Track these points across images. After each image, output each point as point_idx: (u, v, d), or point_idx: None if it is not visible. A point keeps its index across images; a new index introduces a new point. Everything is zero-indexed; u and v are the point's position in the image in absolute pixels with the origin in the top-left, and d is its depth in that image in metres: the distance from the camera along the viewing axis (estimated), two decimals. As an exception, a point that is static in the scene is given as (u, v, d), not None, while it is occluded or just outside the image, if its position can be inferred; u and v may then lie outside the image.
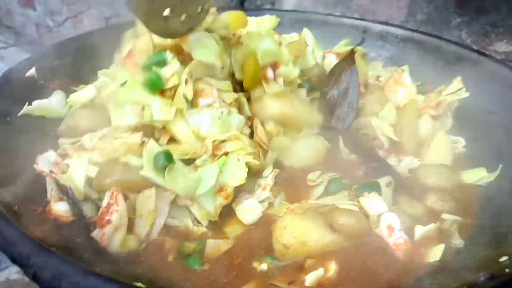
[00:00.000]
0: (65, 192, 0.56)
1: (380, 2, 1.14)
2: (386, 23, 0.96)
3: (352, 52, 0.79)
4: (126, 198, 0.54)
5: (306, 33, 0.91)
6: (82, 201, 0.56)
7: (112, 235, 0.52)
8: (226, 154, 0.60)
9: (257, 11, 1.14)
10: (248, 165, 0.60)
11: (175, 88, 0.61)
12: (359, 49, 0.87)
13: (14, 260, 0.39)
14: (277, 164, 0.67)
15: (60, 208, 0.54)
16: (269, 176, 0.64)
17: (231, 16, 0.83)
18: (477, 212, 0.62)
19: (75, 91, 0.71)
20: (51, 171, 0.58)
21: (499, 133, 0.72)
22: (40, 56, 0.74)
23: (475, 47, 1.02)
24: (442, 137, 0.75)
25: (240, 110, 0.66)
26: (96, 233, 0.52)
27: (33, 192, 0.56)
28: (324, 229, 0.56)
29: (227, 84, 0.65)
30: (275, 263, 0.54)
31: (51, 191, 0.56)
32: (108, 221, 0.52)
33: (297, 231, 0.55)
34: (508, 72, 0.76)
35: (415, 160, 0.72)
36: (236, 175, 0.59)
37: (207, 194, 0.57)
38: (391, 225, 0.57)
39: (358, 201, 0.60)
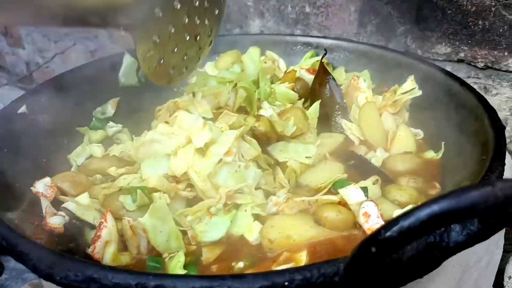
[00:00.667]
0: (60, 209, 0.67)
1: (334, 18, 1.26)
2: (336, 38, 1.08)
3: (321, 63, 0.90)
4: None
5: (271, 54, 1.03)
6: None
7: (103, 249, 0.60)
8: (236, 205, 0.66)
9: (230, 35, 1.26)
10: (254, 215, 0.66)
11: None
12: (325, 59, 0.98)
13: (18, 259, 0.49)
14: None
15: (54, 222, 0.65)
16: (281, 197, 0.69)
17: (230, 57, 0.96)
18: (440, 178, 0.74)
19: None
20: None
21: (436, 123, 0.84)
22: (30, 94, 0.85)
23: (419, 51, 1.14)
24: (404, 130, 0.86)
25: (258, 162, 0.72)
26: (90, 249, 0.61)
27: (30, 210, 0.67)
28: (309, 224, 0.62)
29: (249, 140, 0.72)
30: (252, 260, 0.60)
31: (45, 208, 0.67)
32: (99, 236, 0.61)
33: (283, 227, 0.62)
34: (437, 72, 0.87)
35: (384, 152, 0.82)
36: (242, 226, 0.65)
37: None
38: (367, 212, 0.62)
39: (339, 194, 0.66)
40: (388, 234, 0.36)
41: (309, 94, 0.92)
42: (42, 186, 0.70)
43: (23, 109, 0.82)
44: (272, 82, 0.97)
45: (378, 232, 0.36)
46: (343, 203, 0.65)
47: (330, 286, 0.43)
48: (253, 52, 1.03)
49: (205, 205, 0.63)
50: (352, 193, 0.64)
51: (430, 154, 0.81)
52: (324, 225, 0.62)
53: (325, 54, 0.94)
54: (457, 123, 0.78)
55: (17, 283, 1.60)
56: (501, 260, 0.84)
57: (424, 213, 0.35)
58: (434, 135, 0.82)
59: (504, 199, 0.35)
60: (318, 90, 0.90)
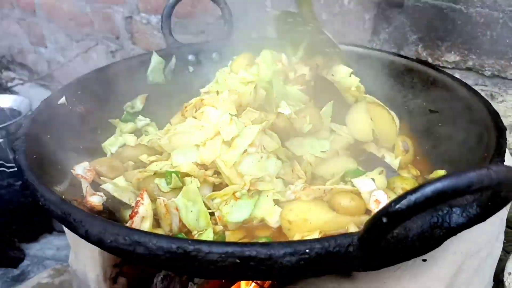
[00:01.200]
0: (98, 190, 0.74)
1: (349, 25, 1.33)
2: (349, 44, 1.14)
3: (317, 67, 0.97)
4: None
5: (283, 57, 1.09)
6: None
7: (139, 224, 0.67)
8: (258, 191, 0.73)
9: (246, 40, 1.33)
10: (275, 201, 0.73)
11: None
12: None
13: (70, 227, 0.56)
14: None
15: (93, 200, 0.72)
16: (299, 186, 0.75)
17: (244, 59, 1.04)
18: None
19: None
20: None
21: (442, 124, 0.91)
22: (68, 87, 0.93)
23: (430, 59, 1.21)
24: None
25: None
26: (128, 223, 0.68)
27: (72, 189, 0.74)
28: (324, 210, 0.68)
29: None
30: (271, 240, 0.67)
31: (86, 188, 0.74)
32: (136, 212, 0.68)
33: (300, 211, 0.68)
34: (446, 78, 0.93)
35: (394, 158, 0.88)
36: (264, 209, 0.71)
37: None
38: (378, 200, 0.68)
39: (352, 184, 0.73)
40: (397, 206, 0.42)
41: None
42: (81, 169, 0.77)
43: (62, 100, 0.89)
44: (284, 84, 1.03)
45: (389, 205, 0.43)
46: (355, 192, 0.71)
47: (345, 255, 0.49)
48: (266, 55, 1.09)
49: (231, 190, 0.70)
50: (363, 183, 0.71)
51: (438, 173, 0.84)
52: (338, 210, 0.68)
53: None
54: (463, 125, 0.84)
55: (38, 269, 1.68)
56: (501, 259, 0.90)
57: (428, 189, 0.41)
58: (441, 135, 0.88)
59: (497, 181, 0.42)
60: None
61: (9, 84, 2.57)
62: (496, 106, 1.11)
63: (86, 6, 2.27)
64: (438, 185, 0.41)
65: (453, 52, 1.16)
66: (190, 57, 1.14)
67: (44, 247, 1.71)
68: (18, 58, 3.14)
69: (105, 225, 0.53)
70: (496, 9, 1.06)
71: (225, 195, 0.69)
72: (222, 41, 1.17)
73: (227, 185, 0.73)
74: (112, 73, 1.03)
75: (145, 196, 0.67)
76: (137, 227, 0.65)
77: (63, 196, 0.65)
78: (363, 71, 1.09)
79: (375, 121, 0.90)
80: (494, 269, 0.86)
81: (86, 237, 0.54)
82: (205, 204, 0.69)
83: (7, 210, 1.69)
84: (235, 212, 0.68)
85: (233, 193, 0.70)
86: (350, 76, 0.98)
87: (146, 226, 0.65)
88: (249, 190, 0.71)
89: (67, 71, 2.60)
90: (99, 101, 0.96)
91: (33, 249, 1.70)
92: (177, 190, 0.70)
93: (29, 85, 2.75)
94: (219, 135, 0.75)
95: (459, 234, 0.54)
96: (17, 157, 0.68)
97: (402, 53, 1.23)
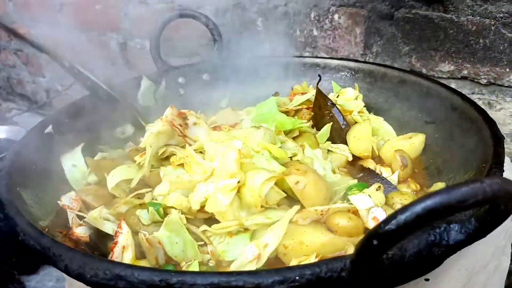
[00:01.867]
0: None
1: (340, 40, 1.32)
2: (342, 58, 1.13)
3: (318, 88, 0.95)
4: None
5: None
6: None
7: (121, 255, 0.65)
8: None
9: (241, 59, 1.32)
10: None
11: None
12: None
13: (50, 262, 0.53)
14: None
15: (79, 232, 0.69)
16: (294, 209, 0.70)
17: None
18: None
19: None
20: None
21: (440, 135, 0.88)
22: (55, 115, 0.91)
23: (424, 70, 1.19)
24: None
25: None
26: (109, 256, 0.66)
27: (57, 220, 0.72)
28: (321, 232, 0.65)
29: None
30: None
31: (72, 219, 0.71)
32: (116, 242, 0.65)
33: (296, 234, 0.65)
34: (440, 88, 0.91)
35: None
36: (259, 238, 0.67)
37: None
38: (376, 217, 0.66)
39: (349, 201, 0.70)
40: (387, 227, 0.39)
41: (311, 118, 0.97)
42: (68, 200, 0.75)
43: (49, 129, 0.88)
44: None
45: (378, 226, 0.40)
46: (352, 211, 0.68)
47: (338, 280, 0.46)
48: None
49: (225, 227, 0.66)
50: (360, 200, 0.68)
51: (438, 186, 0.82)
52: (336, 232, 0.65)
53: (319, 80, 0.98)
54: (459, 135, 0.82)
55: (38, 302, 1.63)
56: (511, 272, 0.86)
57: (419, 207, 0.39)
58: (438, 146, 0.86)
59: (492, 194, 0.39)
60: (319, 114, 0.95)
61: (7, 115, 2.57)
62: (494, 114, 1.08)
63: (81, 35, 2.28)
64: (429, 203, 0.38)
65: (446, 62, 1.14)
66: (180, 80, 1.13)
67: (44, 279, 1.67)
68: (18, 89, 3.16)
69: (84, 259, 0.50)
70: (487, 16, 1.04)
71: (220, 229, 0.66)
72: (213, 62, 1.16)
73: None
74: (100, 99, 1.01)
75: (123, 225, 0.65)
76: (118, 259, 0.62)
77: (47, 230, 0.63)
78: (356, 85, 1.07)
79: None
80: (504, 283, 0.82)
81: (66, 272, 0.51)
82: (197, 237, 0.67)
83: (6, 243, 1.66)
84: (231, 249, 0.65)
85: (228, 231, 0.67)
86: (356, 99, 0.96)
87: (128, 257, 0.63)
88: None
89: (65, 99, 2.60)
90: (87, 128, 0.94)
91: (33, 281, 1.66)
92: (159, 222, 0.67)
93: (28, 114, 2.75)
94: (211, 177, 0.72)
95: (463, 250, 0.51)
96: (-1, 190, 0.66)
97: (395, 65, 1.21)
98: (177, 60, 1.88)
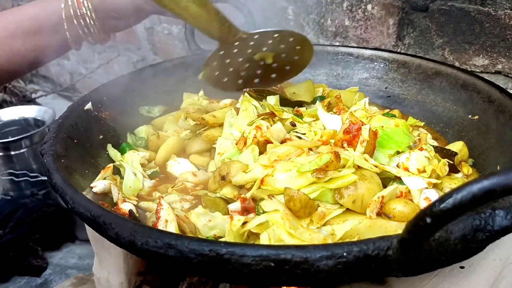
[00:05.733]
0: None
1: (372, 31, 1.31)
2: (375, 48, 1.13)
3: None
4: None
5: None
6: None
7: (164, 228, 0.66)
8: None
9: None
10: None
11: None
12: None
13: (100, 230, 0.55)
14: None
15: (125, 207, 0.71)
16: None
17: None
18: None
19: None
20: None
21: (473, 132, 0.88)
22: (94, 93, 0.93)
23: (457, 63, 1.18)
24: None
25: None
26: None
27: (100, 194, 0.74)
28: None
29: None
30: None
31: (118, 195, 0.73)
32: (158, 217, 0.66)
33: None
34: (476, 80, 0.91)
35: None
36: None
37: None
38: (429, 198, 0.66)
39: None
40: (442, 205, 0.40)
41: None
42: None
43: (89, 105, 0.89)
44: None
45: (433, 204, 0.41)
46: (404, 195, 0.69)
47: (385, 259, 0.47)
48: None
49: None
50: (413, 181, 0.69)
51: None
52: (393, 217, 0.65)
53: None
54: (496, 128, 0.81)
55: (61, 278, 1.68)
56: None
57: (475, 187, 0.39)
58: (474, 138, 0.86)
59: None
60: None
61: (33, 96, 2.62)
62: (528, 110, 1.07)
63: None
64: (485, 183, 0.39)
65: (481, 56, 1.14)
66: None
67: (66, 256, 1.71)
68: (42, 71, 3.21)
69: (135, 228, 0.52)
70: (527, 11, 1.03)
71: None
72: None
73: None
74: (139, 79, 1.03)
75: (163, 202, 0.67)
76: (162, 231, 0.64)
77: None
78: (390, 75, 1.07)
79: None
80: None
81: (116, 240, 0.53)
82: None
83: (31, 219, 1.70)
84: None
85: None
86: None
87: (172, 229, 0.64)
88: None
89: (89, 82, 2.64)
90: (123, 107, 0.96)
91: (56, 258, 1.70)
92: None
93: (52, 96, 2.80)
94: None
95: (498, 240, 0.51)
96: (45, 160, 0.68)
97: (428, 57, 1.21)
98: (205, 46, 1.90)
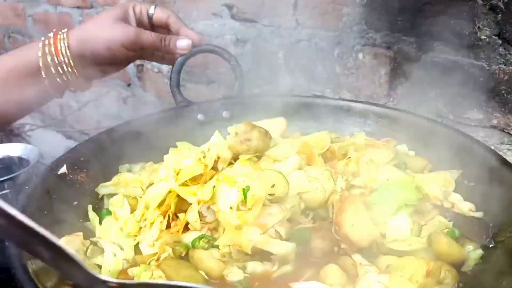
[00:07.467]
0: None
1: (364, 80, 1.28)
2: (367, 102, 1.09)
3: None
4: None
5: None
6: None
7: None
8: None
9: (258, 97, 1.29)
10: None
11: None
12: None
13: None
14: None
15: None
16: None
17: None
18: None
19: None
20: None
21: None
22: (70, 154, 0.88)
23: (451, 116, 1.15)
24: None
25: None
26: None
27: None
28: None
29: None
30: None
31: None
32: None
33: None
34: (475, 145, 0.86)
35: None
36: None
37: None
38: None
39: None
40: None
41: None
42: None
43: (63, 169, 0.85)
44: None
45: None
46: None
47: None
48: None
49: None
50: None
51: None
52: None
53: None
54: (495, 198, 0.77)
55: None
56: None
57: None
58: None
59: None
60: None
61: (21, 130, 2.56)
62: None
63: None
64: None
65: (475, 110, 1.10)
66: (199, 117, 1.09)
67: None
68: (32, 102, 3.16)
69: None
70: (522, 67, 1.00)
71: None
72: (233, 99, 1.13)
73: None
74: (117, 136, 0.98)
75: None
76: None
77: None
78: (382, 131, 1.03)
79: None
80: None
81: None
82: None
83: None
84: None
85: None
86: None
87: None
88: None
89: (79, 116, 2.60)
90: (100, 167, 0.91)
91: None
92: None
93: (43, 130, 2.74)
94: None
95: None
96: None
97: (421, 109, 1.16)
98: (193, 86, 1.87)
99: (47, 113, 3.03)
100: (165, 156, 0.93)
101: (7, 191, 1.80)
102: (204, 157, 0.83)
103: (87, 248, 0.75)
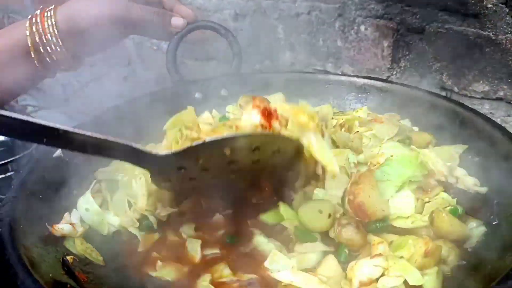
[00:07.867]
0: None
1: (366, 53, 1.24)
2: (368, 77, 1.06)
3: None
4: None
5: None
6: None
7: None
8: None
9: (259, 73, 1.26)
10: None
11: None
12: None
13: None
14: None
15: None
16: None
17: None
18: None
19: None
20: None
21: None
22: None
23: (456, 88, 1.11)
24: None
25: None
26: None
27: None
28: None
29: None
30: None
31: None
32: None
33: None
34: (477, 118, 0.84)
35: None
36: None
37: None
38: None
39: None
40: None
41: None
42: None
43: (58, 152, 0.83)
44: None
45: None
46: None
47: None
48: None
49: None
50: None
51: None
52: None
53: None
54: (497, 170, 0.75)
55: None
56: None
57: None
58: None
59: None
60: None
61: (24, 112, 2.56)
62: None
63: (97, 33, 2.24)
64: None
65: (481, 82, 1.07)
66: (197, 95, 1.07)
67: None
68: (35, 83, 3.15)
69: None
70: (529, 36, 0.96)
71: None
72: (231, 76, 1.10)
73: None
74: (114, 115, 0.97)
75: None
76: None
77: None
78: (385, 107, 1.01)
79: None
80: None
81: None
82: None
83: None
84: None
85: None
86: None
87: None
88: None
89: (81, 96, 2.58)
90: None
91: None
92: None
93: (46, 111, 2.74)
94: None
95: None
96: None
97: (424, 81, 1.14)
98: (191, 63, 1.83)
99: (49, 94, 3.02)
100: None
101: (12, 173, 1.81)
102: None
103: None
